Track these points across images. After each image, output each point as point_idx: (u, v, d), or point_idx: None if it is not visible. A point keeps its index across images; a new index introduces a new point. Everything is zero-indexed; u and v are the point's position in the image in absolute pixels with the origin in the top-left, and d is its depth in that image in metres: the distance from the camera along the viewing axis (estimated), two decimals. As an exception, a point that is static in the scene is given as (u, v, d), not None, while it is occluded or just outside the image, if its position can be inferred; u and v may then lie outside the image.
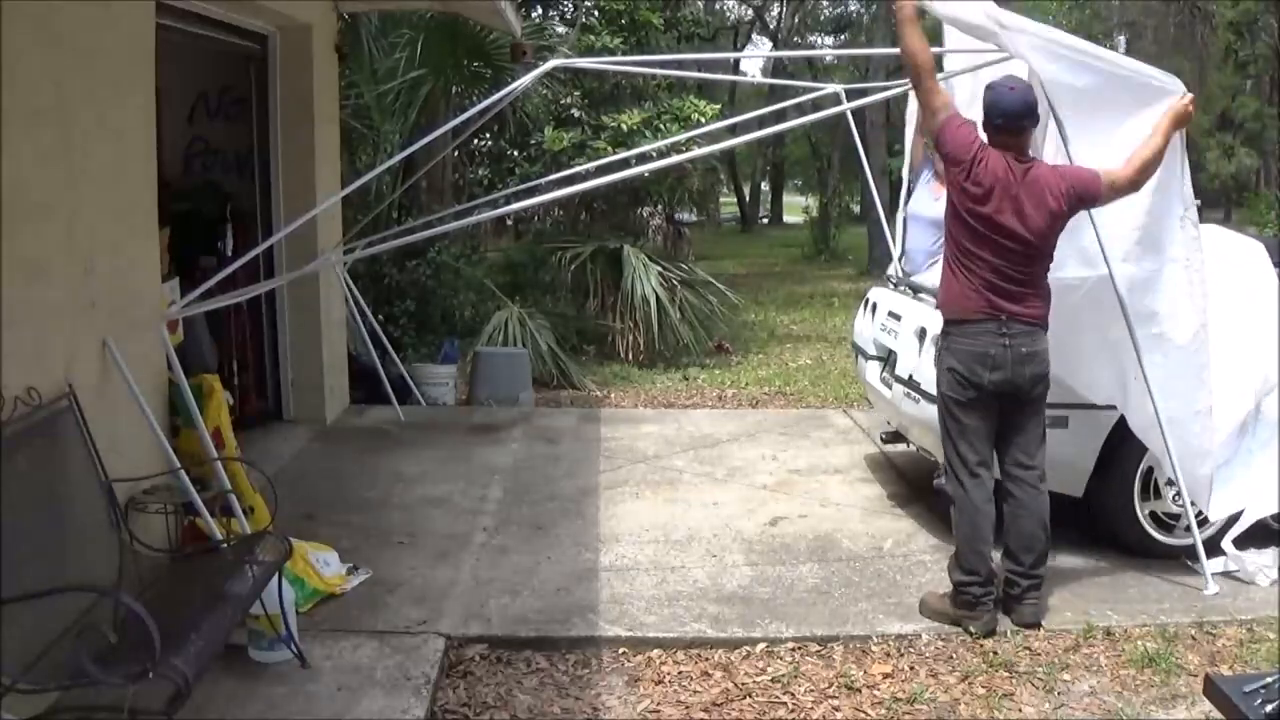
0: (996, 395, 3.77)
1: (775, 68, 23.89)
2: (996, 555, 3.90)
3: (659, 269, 9.33)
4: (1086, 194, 3.75)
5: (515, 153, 10.74)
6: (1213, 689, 2.19)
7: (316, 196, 6.00)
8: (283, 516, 3.74)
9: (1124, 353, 4.10)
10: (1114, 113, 3.90)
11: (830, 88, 6.34)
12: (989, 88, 3.80)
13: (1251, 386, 4.39)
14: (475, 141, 10.81)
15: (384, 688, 3.29)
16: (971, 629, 3.78)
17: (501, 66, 8.82)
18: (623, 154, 7.98)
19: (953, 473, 3.86)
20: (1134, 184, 3.81)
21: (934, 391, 4.53)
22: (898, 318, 5.12)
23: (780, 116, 7.30)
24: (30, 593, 2.45)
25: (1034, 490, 3.87)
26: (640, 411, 7.64)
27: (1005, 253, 3.71)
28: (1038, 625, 3.82)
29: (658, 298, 9.09)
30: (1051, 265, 3.83)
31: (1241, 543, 4.29)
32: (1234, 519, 4.33)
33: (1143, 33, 24.17)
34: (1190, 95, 3.93)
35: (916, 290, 5.31)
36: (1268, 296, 4.48)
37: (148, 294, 4.02)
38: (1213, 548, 4.28)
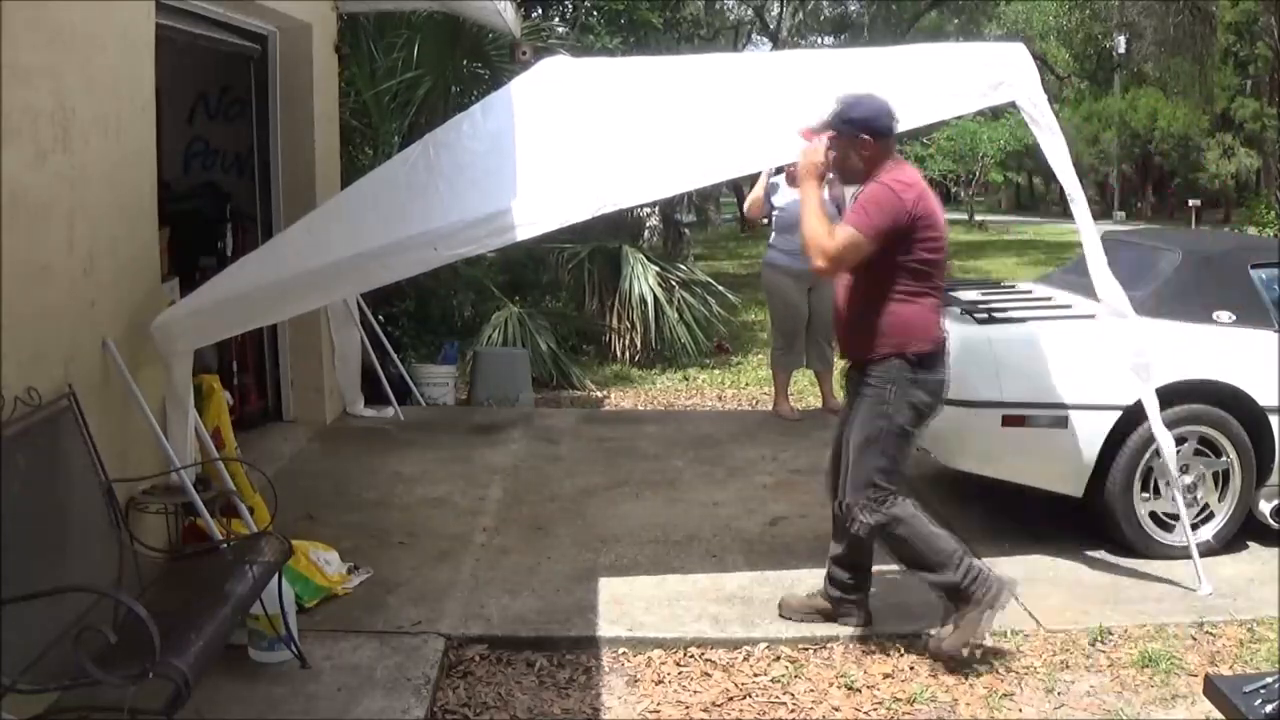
0: None
1: (775, 68, 23.81)
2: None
3: (656, 269, 9.32)
4: None
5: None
6: (1213, 689, 2.19)
7: (316, 196, 5.99)
8: (283, 516, 3.74)
9: None
10: None
11: None
12: (856, 99, 3.50)
13: None
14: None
15: (384, 688, 3.29)
16: None
17: (500, 67, 8.81)
18: None
19: (888, 495, 3.55)
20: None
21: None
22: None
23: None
24: (30, 593, 2.46)
25: None
26: (640, 411, 7.64)
27: (941, 269, 3.57)
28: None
29: (655, 297, 9.07)
30: None
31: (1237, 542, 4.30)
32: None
33: (1143, 33, 24.19)
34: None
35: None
36: None
37: (148, 294, 4.02)
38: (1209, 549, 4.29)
